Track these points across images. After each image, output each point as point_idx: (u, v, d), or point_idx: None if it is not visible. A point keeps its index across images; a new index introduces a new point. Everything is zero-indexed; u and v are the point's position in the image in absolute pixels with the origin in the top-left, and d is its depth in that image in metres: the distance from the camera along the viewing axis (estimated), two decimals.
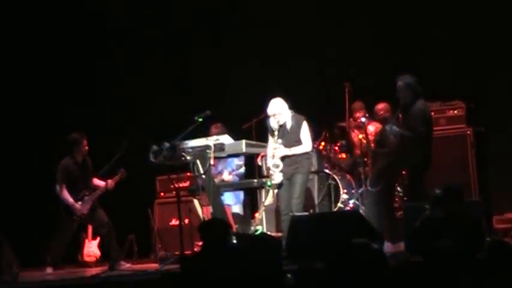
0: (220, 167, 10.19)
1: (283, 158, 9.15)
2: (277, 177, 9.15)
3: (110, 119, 12.19)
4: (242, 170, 10.25)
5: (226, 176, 10.18)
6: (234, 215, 10.10)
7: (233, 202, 10.15)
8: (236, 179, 10.14)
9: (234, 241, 6.18)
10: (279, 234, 9.58)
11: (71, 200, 10.08)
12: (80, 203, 10.08)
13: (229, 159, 10.13)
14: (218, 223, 6.24)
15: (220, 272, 5.18)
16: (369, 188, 9.55)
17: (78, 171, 10.19)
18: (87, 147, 10.19)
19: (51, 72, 12.36)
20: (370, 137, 10.29)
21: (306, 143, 9.27)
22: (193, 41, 12.25)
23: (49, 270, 10.07)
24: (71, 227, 10.20)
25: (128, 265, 10.00)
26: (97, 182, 10.25)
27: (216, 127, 10.18)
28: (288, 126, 9.22)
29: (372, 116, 10.42)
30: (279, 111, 9.19)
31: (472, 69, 11.15)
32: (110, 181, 10.19)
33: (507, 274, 4.39)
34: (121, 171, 10.18)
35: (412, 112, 9.08)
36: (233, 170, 10.22)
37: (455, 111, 10.42)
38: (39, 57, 12.33)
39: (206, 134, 9.76)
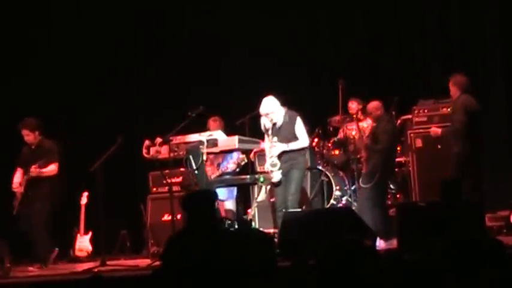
0: (224, 162, 10.19)
1: (280, 156, 9.13)
2: (276, 175, 9.12)
3: (106, 115, 12.15)
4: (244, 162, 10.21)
5: (231, 166, 10.14)
6: (227, 211, 10.07)
7: (225, 197, 10.10)
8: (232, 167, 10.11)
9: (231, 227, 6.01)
10: (273, 230, 9.55)
11: (14, 180, 10.09)
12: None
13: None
14: (204, 194, 5.69)
15: (208, 253, 4.90)
16: (361, 184, 9.55)
17: (28, 153, 10.08)
18: (25, 138, 10.04)
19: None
20: (363, 131, 10.30)
21: (303, 138, 9.26)
22: (186, 37, 12.22)
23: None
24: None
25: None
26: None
27: (214, 120, 10.24)
28: (282, 123, 9.20)
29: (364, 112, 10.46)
30: (271, 110, 9.15)
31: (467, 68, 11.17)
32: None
33: (501, 273, 4.37)
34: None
35: (454, 106, 9.38)
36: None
37: (449, 109, 10.42)
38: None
39: (204, 126, 9.78)
